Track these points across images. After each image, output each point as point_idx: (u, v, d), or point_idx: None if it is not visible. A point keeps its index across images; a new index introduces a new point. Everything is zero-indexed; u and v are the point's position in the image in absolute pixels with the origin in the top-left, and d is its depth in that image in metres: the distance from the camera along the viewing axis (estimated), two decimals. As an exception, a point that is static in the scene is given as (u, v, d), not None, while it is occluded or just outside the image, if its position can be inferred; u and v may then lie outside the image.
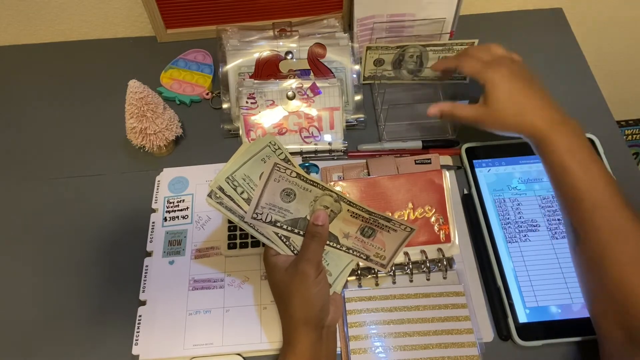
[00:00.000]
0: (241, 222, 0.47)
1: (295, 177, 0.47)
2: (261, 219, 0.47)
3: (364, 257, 0.53)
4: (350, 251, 0.52)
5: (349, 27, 0.76)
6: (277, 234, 0.48)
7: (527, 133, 0.54)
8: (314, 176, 0.48)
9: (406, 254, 0.58)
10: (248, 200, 0.46)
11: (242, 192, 0.46)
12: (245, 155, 0.47)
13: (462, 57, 0.60)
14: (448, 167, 0.66)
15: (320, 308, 0.47)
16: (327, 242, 0.51)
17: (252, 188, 0.47)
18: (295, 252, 0.49)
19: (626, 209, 0.48)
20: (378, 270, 0.56)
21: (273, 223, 0.47)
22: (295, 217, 0.48)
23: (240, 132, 0.67)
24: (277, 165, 0.46)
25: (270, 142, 0.48)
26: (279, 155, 0.48)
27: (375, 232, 0.51)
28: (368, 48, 0.69)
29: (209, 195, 0.46)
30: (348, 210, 0.49)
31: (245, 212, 0.47)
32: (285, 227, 0.48)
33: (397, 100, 0.72)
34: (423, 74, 0.73)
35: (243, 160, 0.47)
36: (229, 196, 0.46)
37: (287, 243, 0.48)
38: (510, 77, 0.55)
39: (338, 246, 0.51)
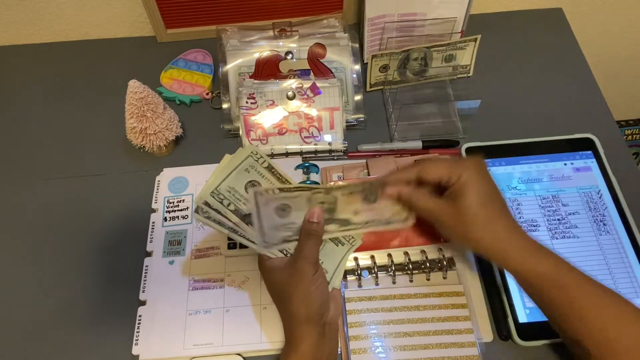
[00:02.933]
0: (231, 234, 0.48)
1: (280, 192, 0.47)
2: (274, 243, 0.47)
3: (385, 222, 0.52)
4: (369, 224, 0.51)
5: (358, 26, 0.76)
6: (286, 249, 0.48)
7: (503, 262, 0.48)
8: (298, 180, 0.48)
9: (406, 254, 0.58)
10: (236, 212, 0.46)
11: (229, 204, 0.46)
12: (227, 168, 0.47)
13: (422, 163, 0.52)
14: (448, 167, 0.66)
15: (320, 304, 0.47)
16: (346, 227, 0.51)
17: (238, 199, 0.47)
18: (287, 254, 0.49)
19: (636, 314, 0.45)
20: (400, 227, 0.53)
21: (287, 241, 0.48)
22: (300, 225, 0.49)
23: (240, 132, 0.67)
24: (258, 193, 0.47)
25: (252, 152, 0.48)
26: (262, 164, 0.48)
27: (377, 195, 0.51)
28: (374, 57, 0.69)
29: (196, 211, 0.47)
30: (342, 194, 0.50)
31: (234, 224, 0.47)
32: (240, 215, 0.47)
33: (405, 101, 0.72)
34: (428, 73, 0.73)
35: (226, 173, 0.47)
36: (216, 210, 0.46)
37: (280, 249, 0.49)
38: (482, 178, 0.49)
39: (355, 226, 0.51)
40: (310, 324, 0.46)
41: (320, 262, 0.50)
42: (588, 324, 0.45)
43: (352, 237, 0.53)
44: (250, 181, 0.48)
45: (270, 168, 0.49)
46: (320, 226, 0.48)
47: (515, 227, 0.48)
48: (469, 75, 0.76)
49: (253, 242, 0.48)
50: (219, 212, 0.46)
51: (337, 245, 0.52)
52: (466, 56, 0.73)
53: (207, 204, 0.46)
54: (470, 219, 0.47)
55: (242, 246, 0.59)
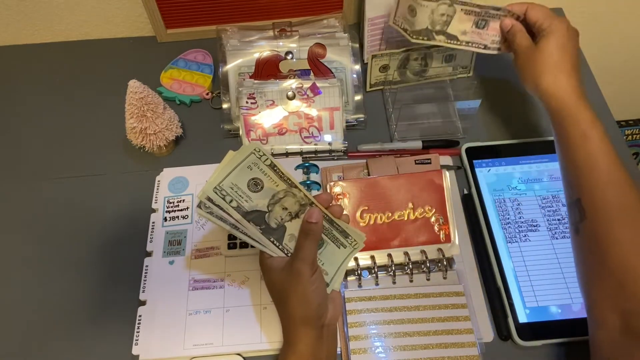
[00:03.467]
0: (233, 230, 0.48)
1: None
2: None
3: (483, 47, 0.63)
4: (469, 44, 0.63)
5: (358, 26, 0.75)
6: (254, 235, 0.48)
7: (549, 99, 0.56)
8: (292, 173, 0.49)
9: (406, 254, 0.58)
10: (238, 209, 0.46)
11: (231, 201, 0.46)
12: (230, 164, 0.47)
13: (530, 3, 0.61)
14: (448, 167, 0.66)
15: (318, 306, 0.47)
16: (451, 41, 0.63)
17: (240, 196, 0.47)
18: (289, 254, 0.49)
19: (636, 188, 0.49)
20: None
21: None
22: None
23: (240, 132, 0.67)
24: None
25: (254, 150, 0.48)
26: (264, 161, 0.48)
27: (487, 22, 0.61)
28: (374, 57, 0.69)
29: (199, 206, 0.47)
30: (461, 9, 0.61)
31: (236, 220, 0.47)
32: (242, 212, 0.47)
33: (405, 101, 0.72)
34: (428, 73, 0.73)
35: (229, 170, 0.47)
36: (218, 205, 0.46)
37: (280, 247, 0.48)
38: (568, 34, 0.57)
39: (459, 43, 0.63)
40: (308, 326, 0.46)
41: (320, 263, 0.50)
42: (595, 181, 0.50)
43: (355, 241, 0.53)
44: (252, 178, 0.48)
45: (272, 166, 0.49)
46: (318, 227, 0.48)
47: (573, 76, 0.56)
48: (469, 75, 0.76)
49: (255, 240, 0.48)
50: (221, 208, 0.46)
51: (339, 248, 0.52)
52: (466, 56, 0.73)
53: (209, 199, 0.46)
54: (540, 61, 0.56)
55: (242, 246, 0.60)
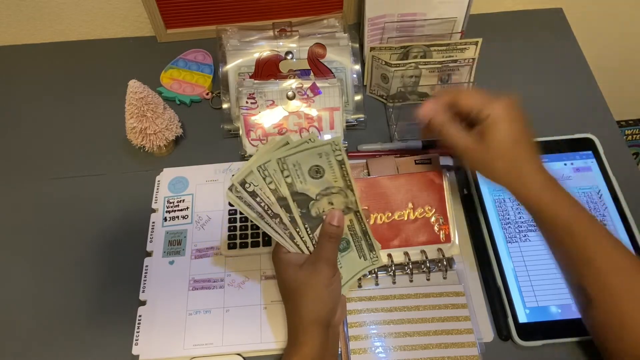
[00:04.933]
0: (258, 219, 0.47)
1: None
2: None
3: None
4: None
5: (358, 26, 0.75)
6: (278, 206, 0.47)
7: (522, 197, 0.49)
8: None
9: (406, 254, 0.58)
10: (290, 185, 0.46)
11: (288, 176, 0.46)
12: (303, 144, 0.46)
13: (460, 89, 0.54)
14: (448, 167, 0.66)
15: (331, 307, 0.47)
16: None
17: (297, 176, 0.46)
18: (310, 248, 0.49)
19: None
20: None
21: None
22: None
23: (240, 132, 0.67)
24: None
25: (333, 141, 0.47)
26: (336, 155, 0.47)
27: (450, 75, 0.64)
28: (372, 49, 0.69)
29: (230, 189, 0.46)
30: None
31: (280, 198, 0.46)
32: (292, 191, 0.46)
33: (405, 109, 0.72)
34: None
35: (300, 148, 0.46)
36: (251, 192, 0.45)
37: (310, 235, 0.48)
38: (513, 117, 0.49)
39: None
40: (318, 326, 0.46)
41: (339, 266, 0.50)
42: (593, 271, 0.46)
43: (376, 257, 0.53)
44: (316, 165, 0.47)
45: (341, 163, 0.48)
46: (340, 230, 0.48)
47: (539, 167, 0.49)
48: (469, 82, 0.75)
49: (281, 230, 0.48)
50: (254, 193, 0.46)
51: (360, 258, 0.53)
52: (466, 57, 0.73)
53: (263, 167, 0.45)
54: (496, 157, 0.48)
55: (242, 246, 0.60)
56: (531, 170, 0.49)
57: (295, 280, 0.47)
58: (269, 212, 0.47)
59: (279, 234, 0.48)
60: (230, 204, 0.56)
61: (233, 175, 0.46)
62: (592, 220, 0.47)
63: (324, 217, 0.49)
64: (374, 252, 0.53)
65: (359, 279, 0.57)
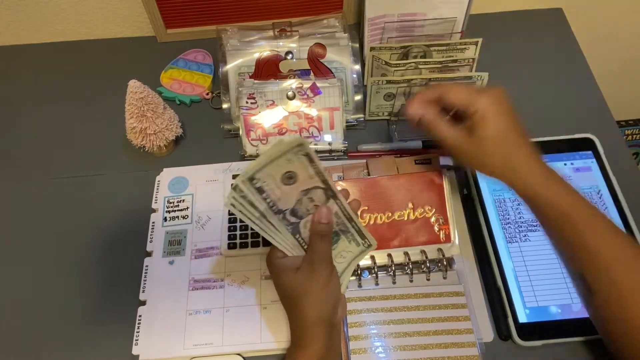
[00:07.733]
0: (257, 221, 0.46)
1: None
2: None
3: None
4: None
5: (358, 26, 0.75)
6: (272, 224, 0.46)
7: (518, 188, 0.49)
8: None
9: (406, 254, 0.58)
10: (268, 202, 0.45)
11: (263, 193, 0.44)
12: (270, 156, 0.44)
13: (446, 85, 0.53)
14: (448, 167, 0.66)
15: (333, 306, 0.47)
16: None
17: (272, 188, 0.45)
18: (305, 247, 0.49)
19: None
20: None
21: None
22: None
23: (240, 132, 0.67)
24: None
25: (298, 144, 0.45)
26: (303, 154, 0.46)
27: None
28: (372, 49, 0.69)
29: (234, 188, 0.44)
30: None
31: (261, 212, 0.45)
32: (269, 203, 0.45)
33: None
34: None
35: (267, 161, 0.44)
36: (246, 197, 0.44)
37: (302, 243, 0.48)
38: (502, 110, 0.48)
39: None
40: (321, 326, 0.46)
41: (334, 261, 0.50)
42: (594, 261, 0.45)
43: (369, 243, 0.52)
44: (287, 172, 0.46)
45: (310, 158, 0.45)
46: (330, 226, 0.47)
47: (533, 157, 0.48)
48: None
49: (275, 234, 0.47)
50: (261, 189, 0.44)
51: (350, 243, 0.51)
52: (466, 57, 0.73)
53: (252, 178, 0.43)
54: (488, 151, 0.48)
55: (242, 246, 0.60)
56: (524, 162, 0.48)
57: (293, 285, 0.47)
58: (274, 207, 0.46)
59: (280, 232, 0.48)
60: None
61: (234, 175, 0.45)
62: (592, 209, 0.47)
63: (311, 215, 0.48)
64: (365, 240, 0.52)
65: (359, 280, 0.57)
